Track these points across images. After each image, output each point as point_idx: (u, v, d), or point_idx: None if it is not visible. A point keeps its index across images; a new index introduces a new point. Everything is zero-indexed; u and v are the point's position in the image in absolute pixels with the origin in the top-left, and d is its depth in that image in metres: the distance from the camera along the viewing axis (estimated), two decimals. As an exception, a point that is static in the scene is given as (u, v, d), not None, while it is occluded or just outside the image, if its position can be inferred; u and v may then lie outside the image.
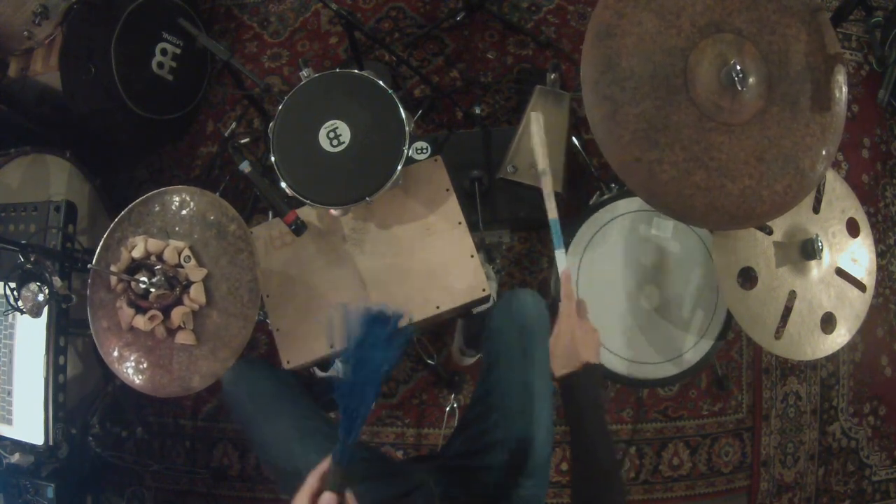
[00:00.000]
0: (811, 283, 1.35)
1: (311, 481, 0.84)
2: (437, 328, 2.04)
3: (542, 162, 1.15)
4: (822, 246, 1.32)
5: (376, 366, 0.84)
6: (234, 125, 2.27)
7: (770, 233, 1.34)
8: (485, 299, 1.41)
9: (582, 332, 1.09)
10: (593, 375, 1.07)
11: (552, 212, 1.15)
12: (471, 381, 2.01)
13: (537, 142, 1.16)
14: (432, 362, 2.00)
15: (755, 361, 2.01)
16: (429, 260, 1.42)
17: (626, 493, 1.06)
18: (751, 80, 1.13)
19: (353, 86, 1.37)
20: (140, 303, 1.27)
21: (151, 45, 2.08)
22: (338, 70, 1.43)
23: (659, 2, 1.14)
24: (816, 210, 1.39)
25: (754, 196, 1.13)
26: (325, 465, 0.85)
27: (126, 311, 1.27)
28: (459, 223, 1.44)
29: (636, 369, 1.45)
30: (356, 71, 1.40)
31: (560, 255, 1.15)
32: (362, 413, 0.84)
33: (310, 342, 1.41)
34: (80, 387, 1.77)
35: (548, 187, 1.14)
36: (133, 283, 1.25)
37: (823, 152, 1.15)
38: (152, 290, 1.26)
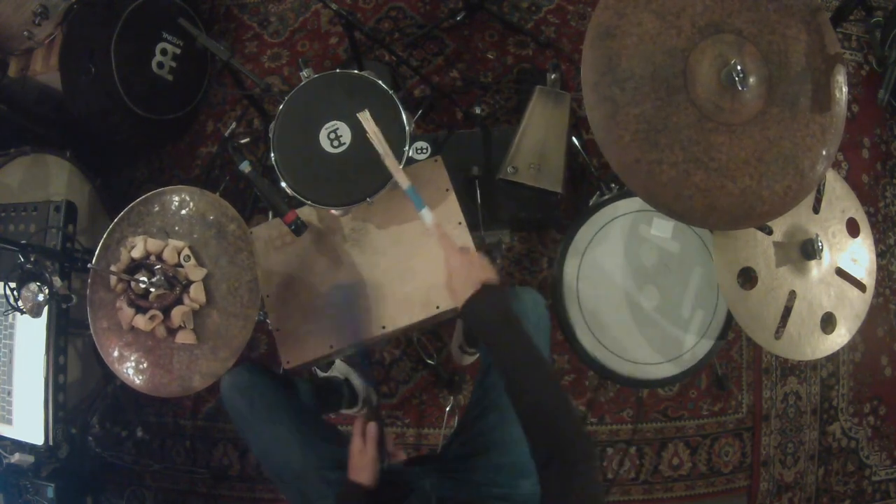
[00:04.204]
0: (811, 283, 1.35)
1: (357, 425, 1.16)
2: (437, 328, 2.04)
3: (380, 148, 1.24)
4: (822, 246, 1.32)
5: None
6: (234, 125, 2.27)
7: (770, 233, 1.34)
8: (485, 299, 1.41)
9: (469, 259, 1.09)
10: (493, 291, 1.05)
11: (404, 183, 1.21)
12: (471, 380, 2.01)
13: (371, 135, 1.25)
14: (432, 362, 2.00)
15: (755, 361, 2.01)
16: (429, 260, 1.42)
17: (562, 392, 0.98)
18: (751, 80, 1.12)
19: (354, 86, 1.37)
20: (140, 302, 1.26)
21: (151, 45, 2.08)
22: (338, 70, 1.43)
23: (659, 2, 1.14)
24: (816, 210, 1.39)
25: (754, 196, 1.13)
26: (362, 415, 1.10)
27: (126, 311, 1.27)
28: (459, 223, 1.44)
29: (636, 369, 1.44)
30: (356, 71, 1.40)
31: (425, 213, 1.18)
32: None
33: (310, 342, 1.41)
34: (80, 387, 1.77)
35: (392, 166, 1.23)
36: (133, 283, 1.25)
37: (823, 152, 1.15)
38: (152, 289, 1.25)
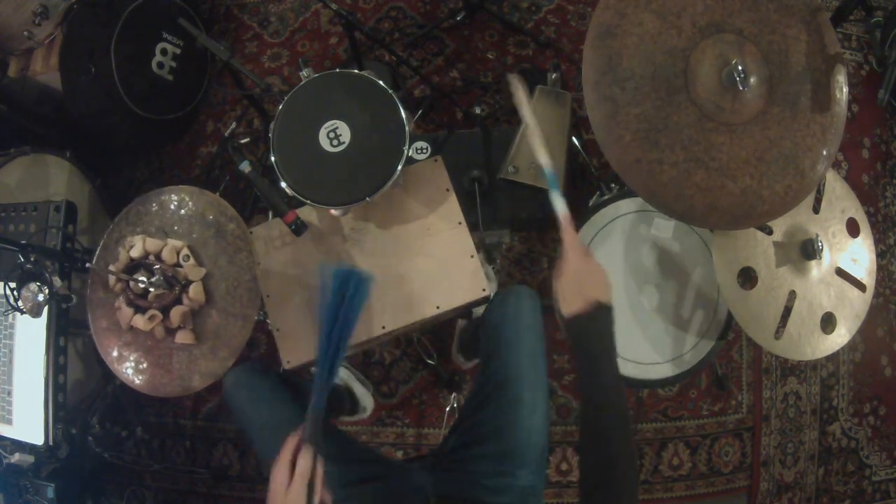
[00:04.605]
0: (811, 283, 1.35)
1: (289, 442, 0.92)
2: (437, 328, 2.04)
3: (528, 118, 1.14)
4: (822, 246, 1.32)
5: (342, 321, 0.98)
6: (234, 125, 2.27)
7: (770, 233, 1.34)
8: (484, 300, 1.41)
9: (589, 269, 1.03)
10: (605, 316, 0.99)
11: (545, 161, 1.10)
12: (471, 380, 2.01)
13: (522, 107, 1.15)
14: (432, 362, 2.00)
15: (755, 361, 2.01)
16: (429, 260, 1.42)
17: (640, 454, 0.96)
18: (752, 80, 1.12)
19: (353, 86, 1.37)
20: (139, 302, 1.26)
21: (151, 45, 2.08)
22: (338, 70, 1.43)
23: (660, 2, 1.14)
24: (816, 210, 1.39)
25: (755, 196, 1.13)
26: (300, 429, 0.94)
27: (125, 311, 1.27)
28: (459, 223, 1.44)
29: (636, 369, 1.44)
30: (356, 71, 1.39)
31: (557, 198, 1.07)
32: (332, 359, 0.97)
33: (310, 342, 1.40)
34: (80, 387, 1.77)
35: (537, 141, 1.12)
36: (132, 283, 1.25)
37: (824, 152, 1.15)
38: (151, 289, 1.25)
